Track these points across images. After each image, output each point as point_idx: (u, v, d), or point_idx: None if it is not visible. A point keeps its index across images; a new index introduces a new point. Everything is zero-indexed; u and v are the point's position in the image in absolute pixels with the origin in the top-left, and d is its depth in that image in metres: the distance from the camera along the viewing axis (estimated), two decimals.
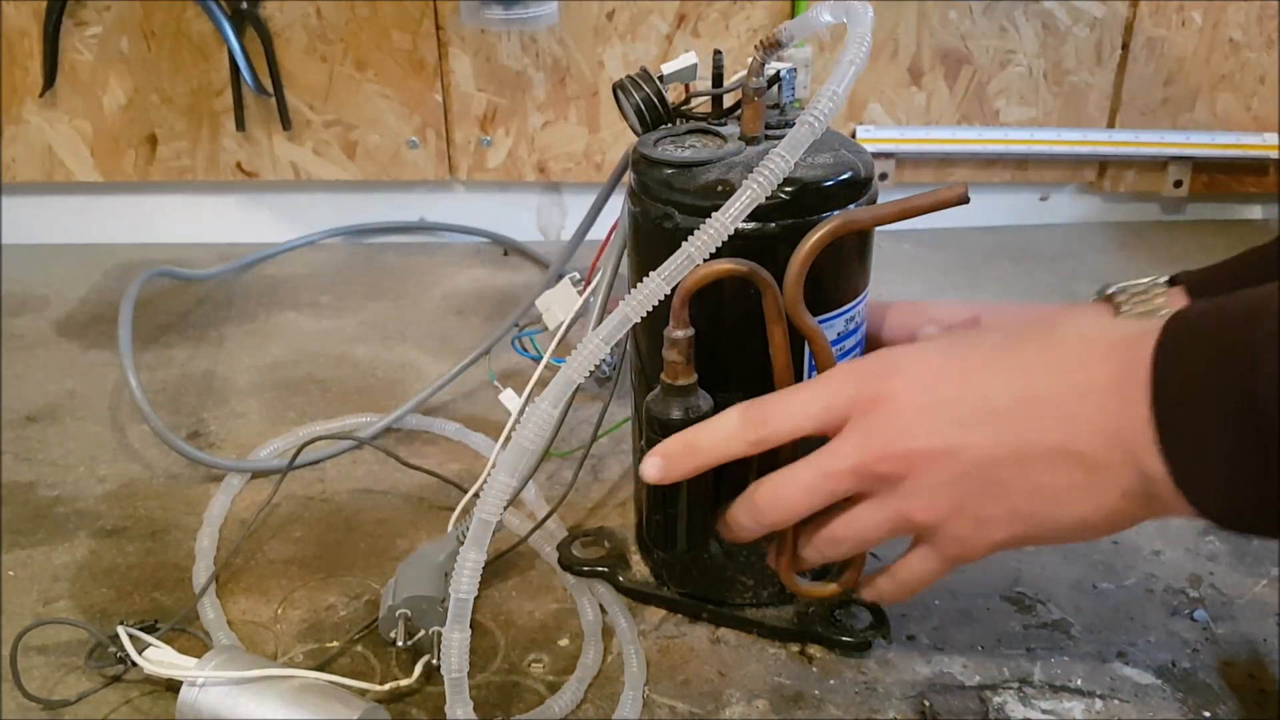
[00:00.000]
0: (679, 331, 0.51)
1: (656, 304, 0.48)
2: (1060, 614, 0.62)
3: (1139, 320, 0.46)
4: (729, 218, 0.47)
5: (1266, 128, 1.16)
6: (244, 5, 1.04)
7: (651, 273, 0.47)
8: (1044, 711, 0.56)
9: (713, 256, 0.48)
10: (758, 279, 0.51)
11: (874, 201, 0.56)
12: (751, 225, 0.51)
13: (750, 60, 0.56)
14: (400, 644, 0.58)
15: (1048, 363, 0.46)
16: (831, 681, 0.58)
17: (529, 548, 0.68)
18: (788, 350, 0.53)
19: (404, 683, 0.56)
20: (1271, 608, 0.62)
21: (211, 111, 1.10)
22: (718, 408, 0.54)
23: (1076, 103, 1.15)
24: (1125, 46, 1.12)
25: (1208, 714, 0.56)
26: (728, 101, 0.60)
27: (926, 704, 0.56)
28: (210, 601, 0.63)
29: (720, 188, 0.53)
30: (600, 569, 0.64)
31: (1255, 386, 0.39)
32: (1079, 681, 0.58)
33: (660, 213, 0.54)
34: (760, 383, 0.54)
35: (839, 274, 0.55)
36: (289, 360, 0.92)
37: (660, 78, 0.60)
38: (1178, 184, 1.18)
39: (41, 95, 1.07)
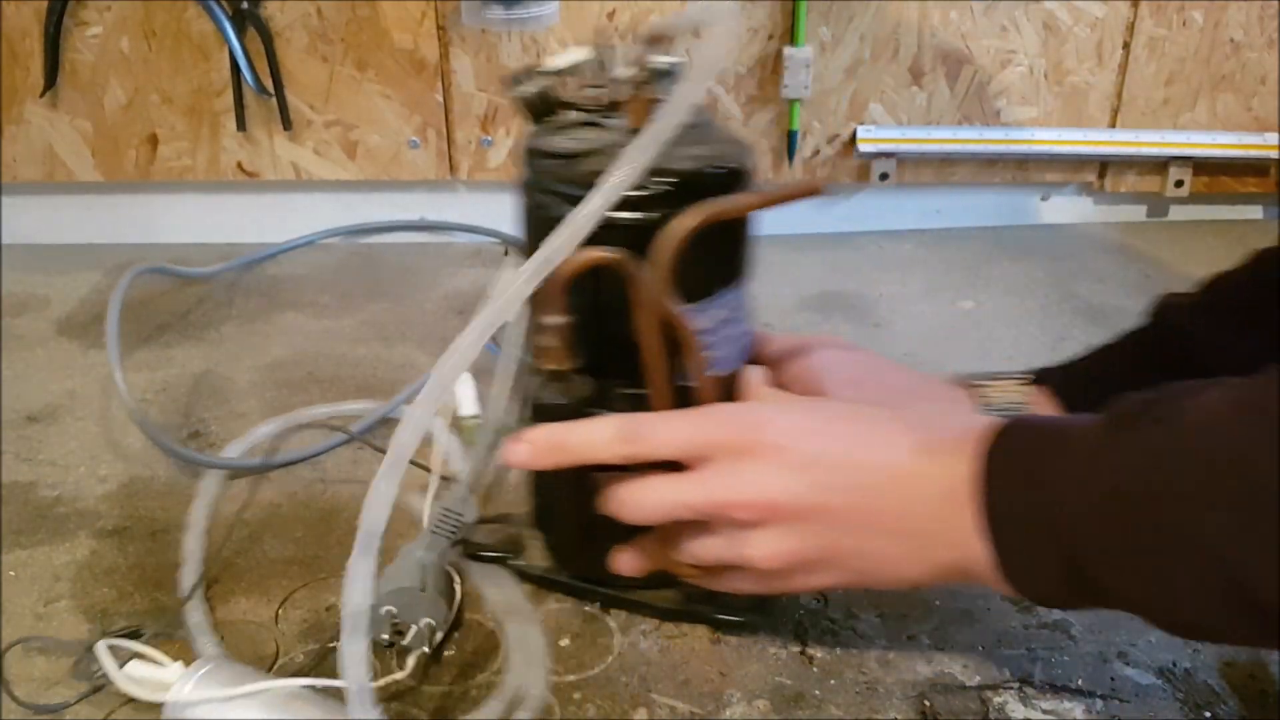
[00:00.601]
0: (554, 318, 0.53)
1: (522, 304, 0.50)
2: (1060, 614, 0.62)
3: (981, 418, 0.50)
4: (584, 216, 0.50)
5: (1267, 128, 1.16)
6: (245, 5, 1.04)
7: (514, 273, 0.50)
8: (1045, 711, 0.56)
9: (598, 243, 0.50)
10: (625, 268, 0.52)
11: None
12: (630, 216, 0.52)
13: (628, 53, 0.57)
14: (387, 639, 0.58)
15: (904, 444, 0.50)
16: (832, 682, 0.58)
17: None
18: (658, 338, 0.54)
19: (398, 677, 0.56)
20: None
21: (212, 111, 1.10)
22: (602, 394, 0.55)
23: (1077, 103, 1.15)
24: (1126, 46, 1.12)
25: (1208, 714, 0.56)
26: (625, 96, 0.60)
27: (927, 704, 0.56)
28: (197, 606, 0.62)
29: (599, 179, 0.53)
30: (499, 555, 0.64)
31: (1075, 541, 0.44)
32: (1080, 682, 0.58)
33: (544, 203, 0.55)
34: (638, 370, 0.55)
35: (714, 263, 0.57)
36: (289, 360, 0.92)
37: (549, 72, 0.60)
38: (1178, 184, 1.18)
39: (42, 95, 1.07)
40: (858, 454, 0.51)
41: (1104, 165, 1.19)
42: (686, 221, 0.52)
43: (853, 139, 1.13)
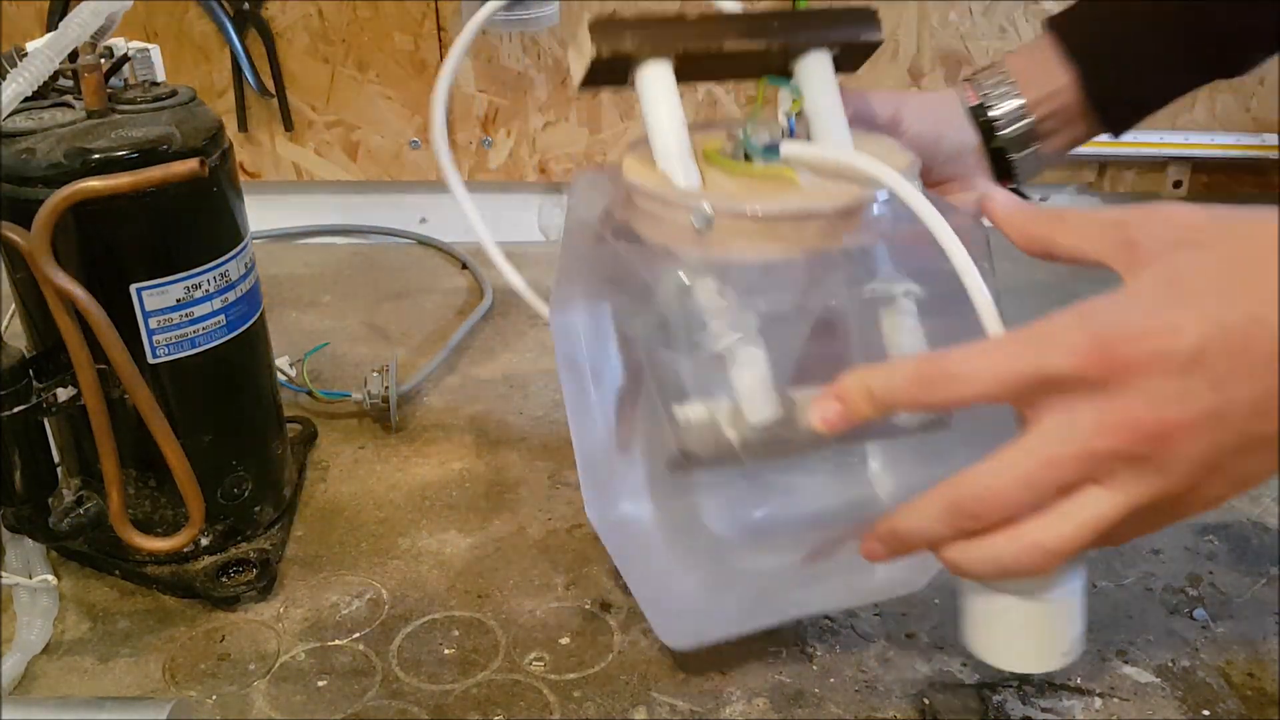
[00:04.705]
0: None
1: None
2: None
3: None
4: None
5: (1266, 128, 1.16)
6: (246, 6, 1.04)
7: None
8: (1043, 710, 0.56)
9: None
10: (7, 243, 0.53)
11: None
12: (23, 191, 0.55)
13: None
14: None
15: None
16: (831, 680, 0.58)
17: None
18: (65, 313, 0.54)
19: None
20: (1271, 606, 0.62)
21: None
22: (49, 367, 0.56)
23: None
24: None
25: (1207, 713, 0.56)
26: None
27: (926, 702, 0.56)
28: None
29: (24, 155, 0.55)
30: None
31: None
32: (1078, 680, 0.58)
33: None
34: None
35: (151, 239, 0.58)
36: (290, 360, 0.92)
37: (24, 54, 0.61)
38: (1177, 184, 1.18)
39: None
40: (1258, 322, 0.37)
41: (1103, 165, 1.19)
42: (55, 199, 0.53)
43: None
